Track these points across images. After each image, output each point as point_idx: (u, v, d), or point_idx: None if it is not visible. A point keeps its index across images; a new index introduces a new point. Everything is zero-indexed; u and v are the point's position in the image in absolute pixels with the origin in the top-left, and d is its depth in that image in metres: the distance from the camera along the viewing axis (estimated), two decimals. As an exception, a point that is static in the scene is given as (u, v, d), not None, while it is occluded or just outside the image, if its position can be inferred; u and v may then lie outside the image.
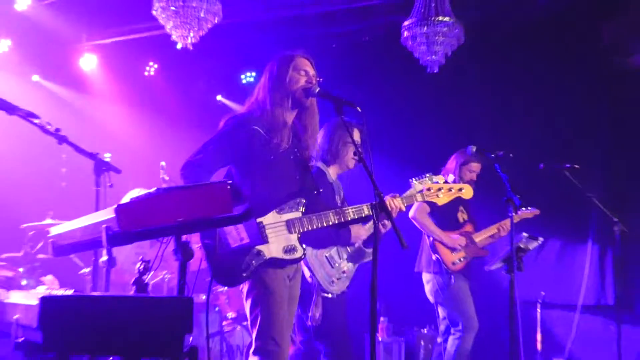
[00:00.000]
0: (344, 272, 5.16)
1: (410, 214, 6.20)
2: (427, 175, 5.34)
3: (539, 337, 7.19)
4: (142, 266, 2.82)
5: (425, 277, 6.42)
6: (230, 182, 2.77)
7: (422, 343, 7.27)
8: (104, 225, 2.75)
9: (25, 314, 2.68)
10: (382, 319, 7.26)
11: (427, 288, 6.42)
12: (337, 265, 5.13)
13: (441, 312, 6.44)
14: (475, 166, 6.26)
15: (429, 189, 4.40)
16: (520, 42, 7.34)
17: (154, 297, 2.62)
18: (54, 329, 2.51)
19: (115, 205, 2.70)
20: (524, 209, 6.40)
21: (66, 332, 2.54)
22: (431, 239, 6.30)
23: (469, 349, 6.24)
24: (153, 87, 8.62)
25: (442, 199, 4.41)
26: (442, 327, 6.50)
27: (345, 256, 5.22)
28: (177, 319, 2.52)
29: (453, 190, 4.43)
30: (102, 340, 2.58)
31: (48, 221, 5.65)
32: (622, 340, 6.40)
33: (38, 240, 5.64)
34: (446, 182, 4.40)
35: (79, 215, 3.08)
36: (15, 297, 2.89)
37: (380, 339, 7.16)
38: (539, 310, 7.27)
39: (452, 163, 6.34)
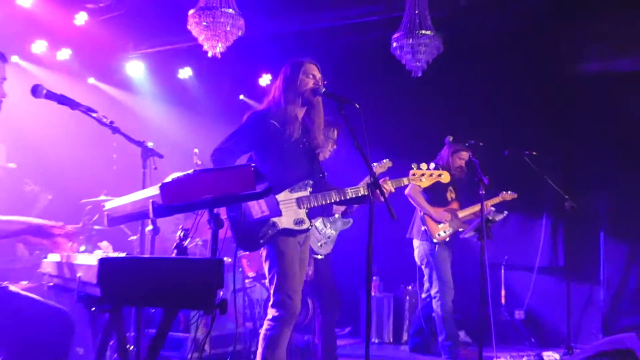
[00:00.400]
0: (328, 237, 5.42)
1: (406, 191, 6.21)
2: (385, 160, 5.51)
3: (503, 293, 7.24)
4: (182, 234, 2.82)
5: (415, 243, 6.45)
6: (253, 165, 2.76)
7: (408, 298, 7.31)
8: (151, 200, 2.74)
9: (86, 272, 2.67)
10: (374, 278, 7.27)
11: (416, 252, 6.45)
12: (323, 232, 5.37)
13: (425, 273, 6.47)
14: (464, 154, 6.23)
15: (414, 174, 4.41)
16: (492, 50, 7.32)
17: (192, 259, 2.62)
18: (110, 284, 2.49)
19: (160, 184, 2.69)
20: (504, 192, 6.43)
21: (120, 287, 2.53)
22: (422, 212, 6.30)
23: (451, 306, 6.26)
24: (187, 88, 8.58)
25: (424, 183, 4.45)
26: (426, 285, 6.54)
27: (328, 225, 5.43)
28: (210, 277, 2.50)
29: (434, 176, 4.45)
30: (149, 294, 2.57)
31: (102, 197, 5.63)
32: (571, 295, 6.42)
33: (94, 213, 5.62)
34: (428, 168, 4.41)
35: (128, 192, 3.09)
36: (78, 258, 2.88)
37: (373, 294, 7.17)
38: (503, 271, 7.31)
39: (445, 151, 6.36)
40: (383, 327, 7.45)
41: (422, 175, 4.40)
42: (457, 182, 6.38)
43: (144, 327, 4.71)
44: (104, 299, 2.54)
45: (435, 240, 6.25)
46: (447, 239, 6.28)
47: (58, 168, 6.69)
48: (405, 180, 4.40)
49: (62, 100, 3.28)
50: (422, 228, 6.30)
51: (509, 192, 6.45)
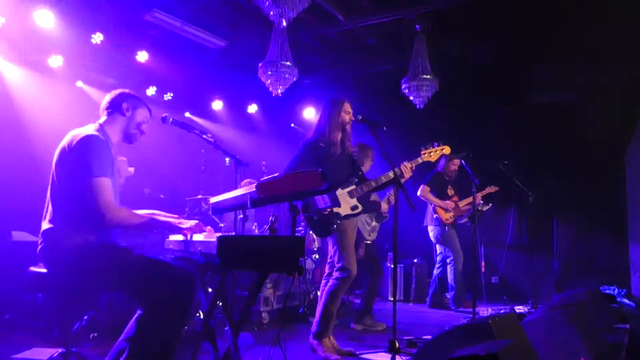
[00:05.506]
0: (374, 227, 5.54)
1: (418, 193, 6.22)
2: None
3: (483, 263, 7.14)
4: (273, 218, 2.82)
5: (430, 227, 6.45)
6: (320, 170, 2.74)
7: (414, 268, 7.21)
8: (249, 195, 2.72)
9: (205, 247, 2.68)
10: (389, 253, 7.19)
11: (431, 234, 6.45)
12: (371, 224, 5.45)
13: (438, 248, 6.48)
14: (457, 161, 6.29)
15: (424, 153, 4.22)
16: (474, 88, 7.29)
17: (282, 237, 2.59)
18: (225, 254, 2.50)
19: (256, 183, 2.67)
20: (488, 187, 6.34)
21: (232, 256, 2.52)
22: (433, 205, 6.31)
23: (461, 269, 6.26)
24: (254, 118, 8.61)
25: (433, 157, 4.23)
26: (438, 259, 6.53)
27: (373, 219, 5.56)
28: (294, 249, 2.47)
29: (438, 151, 4.25)
30: (250, 261, 2.57)
31: (199, 196, 5.66)
32: (532, 264, 6.39)
33: (194, 207, 5.65)
34: (433, 147, 4.20)
35: (217, 192, 3.05)
36: (197, 237, 2.88)
37: (389, 265, 7.12)
38: (482, 247, 7.23)
39: (442, 160, 6.33)
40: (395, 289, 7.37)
41: (430, 152, 4.21)
42: (453, 182, 6.40)
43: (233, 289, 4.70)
44: (221, 264, 2.54)
45: (445, 224, 6.27)
46: (452, 221, 6.31)
47: (166, 175, 6.73)
48: (419, 160, 4.19)
49: (184, 125, 3.27)
50: (435, 216, 6.31)
51: (492, 186, 6.37)
